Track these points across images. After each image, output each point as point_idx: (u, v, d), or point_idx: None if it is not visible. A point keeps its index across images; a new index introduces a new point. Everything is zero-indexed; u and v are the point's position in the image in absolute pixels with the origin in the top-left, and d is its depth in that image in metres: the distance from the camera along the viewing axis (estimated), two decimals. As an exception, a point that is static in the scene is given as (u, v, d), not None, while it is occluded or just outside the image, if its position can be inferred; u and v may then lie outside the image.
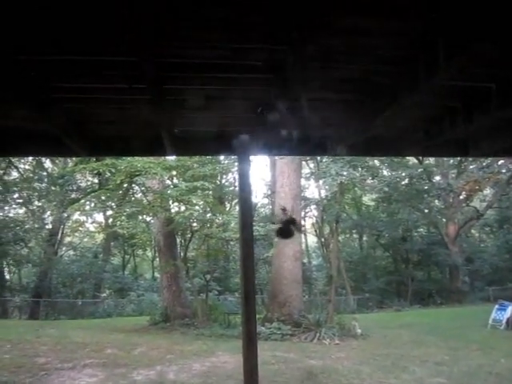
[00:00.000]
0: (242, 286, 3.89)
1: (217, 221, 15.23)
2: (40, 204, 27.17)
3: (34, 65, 2.83)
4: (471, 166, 26.49)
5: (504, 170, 25.07)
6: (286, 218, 5.44)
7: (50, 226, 27.88)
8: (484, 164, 24.36)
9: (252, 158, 4.82)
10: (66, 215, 25.56)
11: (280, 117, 3.49)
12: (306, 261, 29.56)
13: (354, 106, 3.45)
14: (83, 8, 2.24)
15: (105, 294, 28.27)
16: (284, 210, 15.43)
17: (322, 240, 28.03)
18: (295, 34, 2.30)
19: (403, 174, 25.30)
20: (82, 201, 23.05)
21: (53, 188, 25.89)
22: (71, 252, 31.60)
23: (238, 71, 2.92)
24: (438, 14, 2.25)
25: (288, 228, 5.45)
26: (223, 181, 27.61)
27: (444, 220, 29.17)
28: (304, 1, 2.14)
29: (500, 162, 23.89)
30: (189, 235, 16.84)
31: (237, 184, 19.66)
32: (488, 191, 29.81)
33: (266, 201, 30.33)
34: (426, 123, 4.01)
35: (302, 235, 24.43)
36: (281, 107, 3.27)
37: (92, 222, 29.00)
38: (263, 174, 31.99)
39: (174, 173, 15.92)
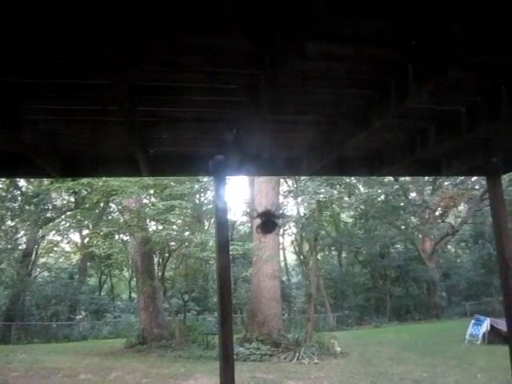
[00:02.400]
0: (219, 309, 3.84)
1: (195, 240, 15.09)
2: (13, 224, 26.48)
3: (6, 86, 2.79)
4: (446, 183, 27.05)
5: (477, 186, 25.67)
6: (262, 211, 5.01)
7: (23, 247, 27.15)
8: (458, 180, 24.92)
9: (229, 178, 4.82)
10: (40, 235, 24.96)
11: (254, 138, 3.51)
12: (285, 278, 29.49)
13: (327, 128, 3.49)
14: (57, 30, 2.22)
15: (80, 316, 27.54)
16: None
17: (301, 257, 28.09)
18: (268, 60, 2.33)
19: (379, 191, 25.67)
20: (58, 220, 22.58)
21: (27, 207, 25.31)
22: (46, 273, 30.75)
23: (213, 94, 2.94)
24: (409, 42, 2.31)
25: (269, 220, 5.06)
26: (202, 199, 27.48)
27: (420, 236, 29.60)
28: (277, 27, 2.17)
29: (473, 179, 24.46)
30: (166, 254, 16.64)
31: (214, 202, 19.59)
32: (462, 207, 30.44)
33: (244, 219, 30.27)
34: (398, 144, 4.08)
35: (281, 253, 24.40)
36: (255, 129, 3.29)
37: (68, 242, 28.38)
38: (242, 192, 32.02)
39: (152, 191, 15.79)
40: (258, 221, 5.13)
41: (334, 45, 2.32)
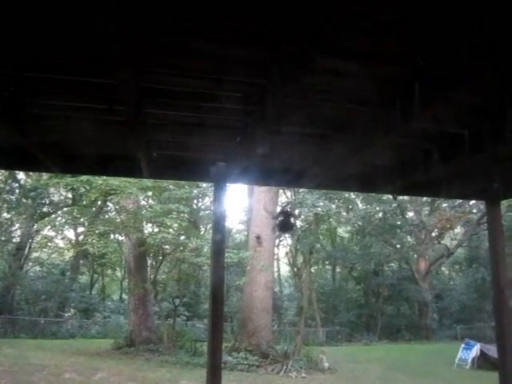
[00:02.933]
0: (210, 317, 3.81)
1: (190, 245, 15.05)
2: (9, 216, 26.38)
3: (10, 80, 2.79)
4: (444, 205, 27.08)
5: (475, 210, 25.69)
6: (282, 210, 5.13)
7: (17, 240, 27.03)
8: (456, 203, 24.94)
9: (229, 185, 4.81)
10: (35, 229, 24.85)
11: (258, 147, 3.51)
12: (277, 289, 29.35)
13: (330, 142, 3.49)
14: (66, 27, 2.23)
15: (69, 314, 27.32)
16: (258, 237, 15.41)
17: (295, 269, 27.99)
18: (276, 71, 2.34)
19: (377, 209, 25.67)
20: (54, 216, 22.51)
21: (24, 200, 25.23)
22: (37, 268, 30.56)
23: (219, 101, 2.94)
24: (416, 62, 2.33)
25: (288, 220, 5.15)
26: (199, 204, 27.45)
27: (415, 256, 29.55)
28: (286, 39, 2.18)
29: (471, 202, 24.50)
30: (160, 257, 16.57)
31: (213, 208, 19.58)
32: (459, 230, 30.43)
33: (241, 227, 30.22)
34: (400, 163, 4.08)
35: (275, 263, 24.31)
36: (258, 138, 3.29)
37: (62, 238, 28.27)
38: (240, 200, 32.00)
39: (150, 193, 15.78)
40: (275, 221, 5.19)
41: (342, 61, 2.33)
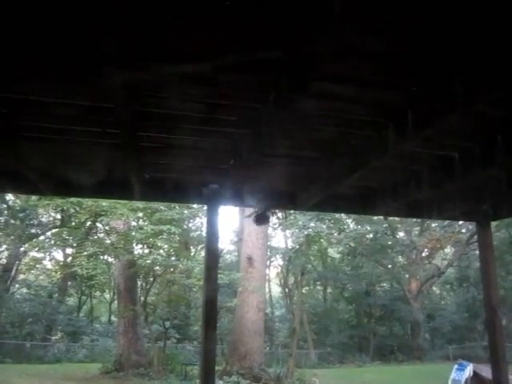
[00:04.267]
0: (203, 342, 3.75)
1: (181, 266, 14.91)
2: (-4, 237, 25.97)
3: (4, 102, 2.79)
4: (433, 225, 27.23)
5: (464, 230, 25.87)
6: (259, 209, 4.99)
7: (3, 261, 26.56)
8: (445, 223, 25.10)
9: (222, 207, 4.80)
10: (23, 251, 24.46)
11: (251, 170, 3.53)
12: (268, 311, 29.07)
13: (324, 165, 3.52)
14: (62, 50, 2.24)
15: (56, 337, 26.71)
16: (249, 258, 15.35)
17: (286, 290, 27.83)
18: (271, 96, 2.36)
19: (368, 229, 25.74)
20: (42, 237, 22.21)
21: (12, 221, 24.89)
22: (24, 290, 29.97)
23: (213, 124, 2.96)
24: (409, 88, 2.37)
25: (263, 213, 5.07)
26: (190, 225, 27.30)
27: (407, 276, 29.54)
28: (281, 64, 2.21)
29: (461, 222, 24.66)
30: (151, 279, 16.38)
31: (204, 229, 19.45)
32: (449, 250, 30.57)
33: (232, 247, 30.06)
34: (392, 185, 4.12)
35: (266, 284, 24.12)
36: (252, 161, 3.30)
37: (50, 260, 27.83)
38: (231, 221, 31.89)
39: (141, 214, 15.67)
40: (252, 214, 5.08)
41: (337, 86, 2.37)
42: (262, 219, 5.22)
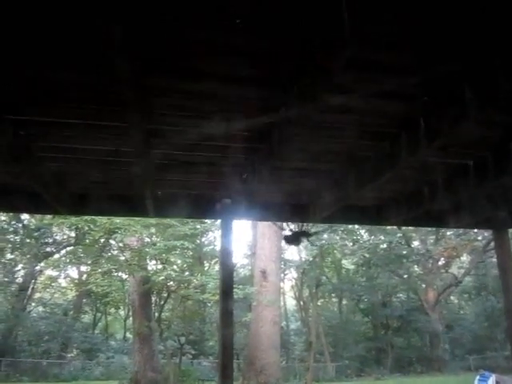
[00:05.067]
0: (220, 359, 3.73)
1: (195, 281, 14.88)
2: (12, 257, 26.24)
3: (21, 123, 2.85)
4: (449, 233, 26.88)
5: (480, 238, 25.50)
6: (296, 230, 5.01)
7: (20, 280, 26.79)
8: (461, 231, 24.78)
9: (235, 221, 4.81)
10: (38, 269, 24.68)
11: (264, 184, 3.53)
12: (284, 324, 28.81)
13: (337, 177, 3.52)
14: (76, 72, 2.29)
15: (72, 355, 26.74)
16: (263, 272, 15.28)
17: (301, 303, 27.60)
18: (283, 110, 2.38)
19: (382, 239, 25.49)
20: (57, 255, 22.40)
21: (27, 240, 25.16)
22: (40, 308, 30.14)
23: (226, 140, 2.98)
24: (421, 98, 2.37)
25: (297, 235, 5.08)
26: (203, 239, 27.31)
27: (423, 286, 29.11)
28: (292, 78, 2.23)
29: (476, 230, 24.33)
30: (165, 295, 16.37)
31: (217, 243, 19.45)
32: (465, 258, 30.11)
33: (245, 261, 29.95)
34: (406, 195, 4.09)
35: (281, 298, 23.98)
36: (265, 175, 3.31)
37: (65, 278, 28.03)
38: (244, 234, 31.83)
39: (154, 230, 15.73)
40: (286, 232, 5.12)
41: (348, 98, 2.38)
42: (295, 241, 5.22)
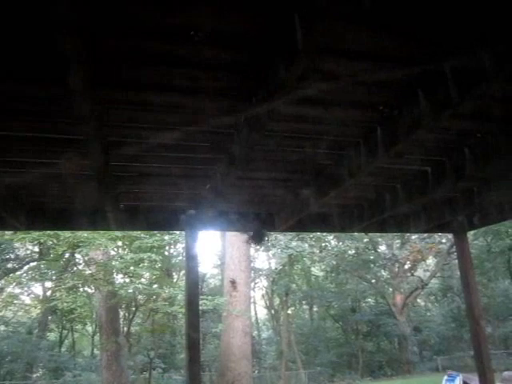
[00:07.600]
0: (187, 371, 3.67)
1: (163, 294, 14.64)
2: (-29, 275, 25.14)
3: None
4: (414, 237, 27.49)
5: (444, 240, 26.21)
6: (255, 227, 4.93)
7: (-21, 300, 25.66)
8: (425, 235, 25.39)
9: (200, 232, 4.76)
10: (-1, 287, 23.71)
11: (227, 194, 3.52)
12: (255, 334, 28.69)
13: (298, 185, 3.54)
14: (31, 82, 2.23)
15: (37, 375, 25.74)
16: (233, 282, 15.19)
17: (272, 312, 27.59)
18: (242, 120, 2.38)
19: (350, 245, 25.84)
20: (20, 271, 21.61)
21: (-13, 258, 24.17)
22: (2, 327, 28.94)
23: (187, 151, 2.96)
24: (377, 107, 2.42)
25: (259, 232, 5.03)
26: (171, 251, 26.95)
27: (391, 290, 29.64)
28: (250, 89, 2.24)
29: (440, 233, 25.00)
30: (133, 309, 16.03)
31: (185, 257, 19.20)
32: (430, 261, 30.86)
33: (215, 271, 29.73)
34: (368, 202, 4.16)
35: (252, 307, 23.88)
36: (227, 185, 3.30)
37: (28, 295, 27.01)
38: (213, 244, 31.60)
39: (120, 243, 15.41)
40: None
41: (307, 107, 2.40)
42: (258, 239, 5.18)
